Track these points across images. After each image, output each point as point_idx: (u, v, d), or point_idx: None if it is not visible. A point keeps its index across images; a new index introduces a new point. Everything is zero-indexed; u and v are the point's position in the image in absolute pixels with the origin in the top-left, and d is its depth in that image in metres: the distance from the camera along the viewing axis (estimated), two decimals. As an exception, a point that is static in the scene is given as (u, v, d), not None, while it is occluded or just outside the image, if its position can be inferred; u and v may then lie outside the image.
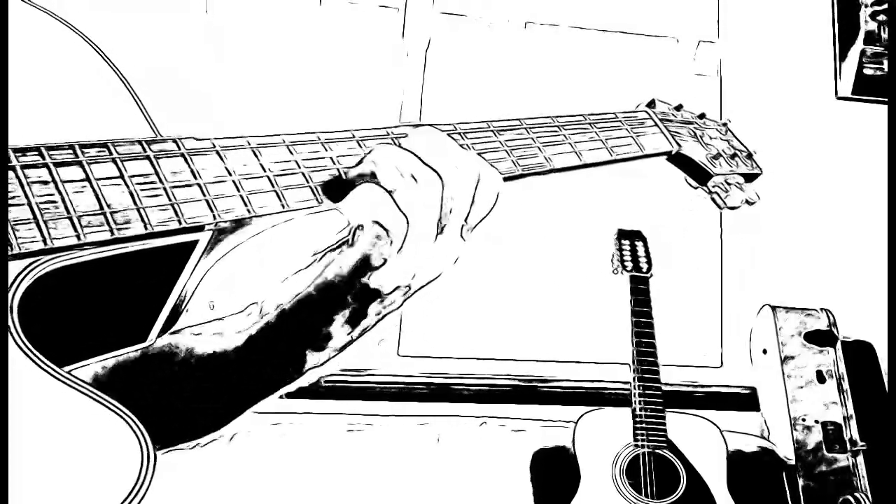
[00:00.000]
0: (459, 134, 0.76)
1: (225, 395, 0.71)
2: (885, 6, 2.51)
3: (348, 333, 0.71)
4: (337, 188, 0.69)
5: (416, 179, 0.68)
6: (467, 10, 2.48)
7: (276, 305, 0.70)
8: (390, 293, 0.69)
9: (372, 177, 0.68)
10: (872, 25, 2.52)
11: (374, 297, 0.69)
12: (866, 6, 2.54)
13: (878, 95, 2.51)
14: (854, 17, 2.55)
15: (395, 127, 0.72)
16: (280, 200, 0.62)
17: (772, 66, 2.54)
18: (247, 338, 0.70)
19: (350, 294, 0.69)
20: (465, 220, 0.71)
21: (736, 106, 2.50)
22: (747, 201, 0.95)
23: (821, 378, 2.19)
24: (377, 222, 0.67)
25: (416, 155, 0.69)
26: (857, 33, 2.53)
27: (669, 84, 2.53)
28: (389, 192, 0.67)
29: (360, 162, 0.70)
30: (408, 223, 0.67)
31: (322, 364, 0.72)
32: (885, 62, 2.49)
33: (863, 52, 2.51)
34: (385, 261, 0.67)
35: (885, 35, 2.50)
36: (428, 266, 0.69)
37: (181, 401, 0.70)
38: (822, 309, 2.27)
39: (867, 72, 2.50)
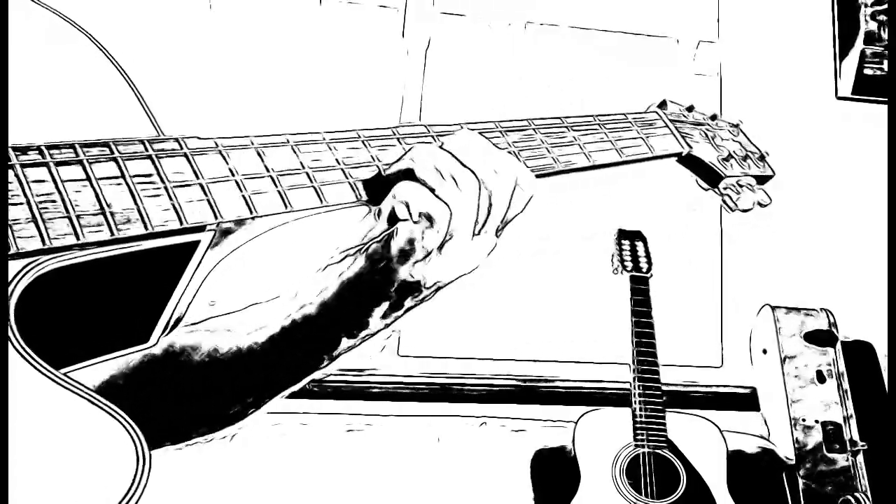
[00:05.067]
0: None
1: (254, 384, 0.74)
2: (885, 6, 2.51)
3: (382, 324, 0.73)
4: (375, 184, 0.71)
5: (455, 179, 0.69)
6: (467, 10, 2.48)
7: (318, 294, 0.72)
8: (429, 287, 0.71)
9: (409, 174, 0.69)
10: (872, 25, 2.52)
11: (412, 291, 0.71)
12: (866, 6, 2.54)
13: (878, 95, 2.51)
14: (854, 17, 2.55)
15: (399, 127, 0.72)
16: (283, 201, 0.62)
17: (772, 66, 2.53)
18: (282, 327, 0.73)
19: (392, 287, 0.71)
20: (501, 220, 0.72)
21: (736, 106, 2.49)
22: (759, 203, 0.94)
23: (821, 378, 2.19)
24: (423, 213, 0.68)
25: (453, 155, 0.70)
26: (857, 33, 2.53)
27: (669, 84, 2.53)
28: (431, 189, 0.69)
29: (398, 160, 0.71)
30: (451, 214, 0.68)
31: (346, 351, 0.75)
32: (885, 62, 2.49)
33: (863, 52, 2.51)
34: (427, 254, 0.69)
35: (885, 35, 2.50)
36: (464, 261, 0.71)
37: (207, 393, 0.72)
38: (822, 309, 2.27)
39: (867, 72, 2.50)
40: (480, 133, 0.77)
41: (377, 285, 0.71)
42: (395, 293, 0.71)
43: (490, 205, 0.71)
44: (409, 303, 0.72)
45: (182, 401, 0.72)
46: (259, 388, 0.74)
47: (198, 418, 0.73)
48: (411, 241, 0.68)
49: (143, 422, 0.64)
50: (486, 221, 0.71)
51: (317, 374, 0.75)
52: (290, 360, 0.73)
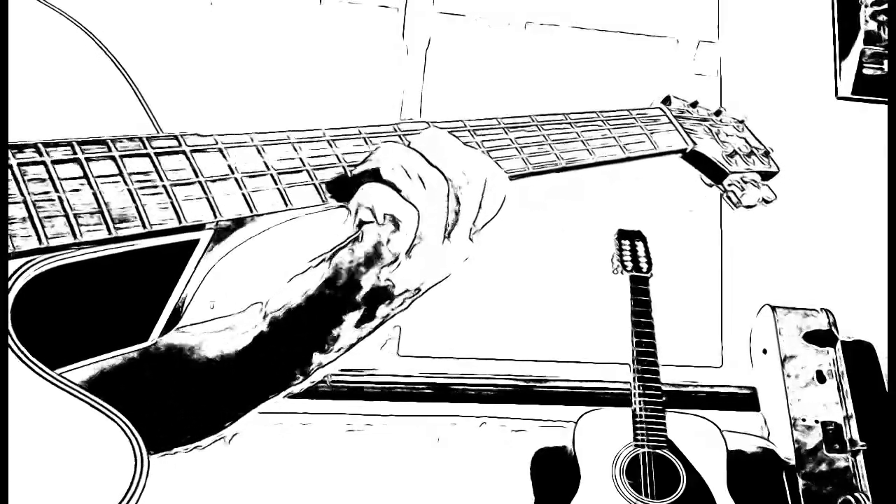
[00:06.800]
0: (469, 131, 0.74)
1: (227, 396, 0.70)
2: (885, 6, 2.51)
3: (355, 335, 0.69)
4: (342, 186, 0.67)
5: (422, 181, 0.65)
6: (467, 10, 2.48)
7: (283, 305, 0.68)
8: (399, 294, 0.67)
9: (376, 175, 0.65)
10: (872, 25, 2.52)
11: (383, 298, 0.67)
12: (866, 6, 2.53)
13: (878, 95, 2.51)
14: (854, 17, 2.55)
15: (401, 123, 0.71)
16: (283, 199, 0.61)
17: (772, 66, 2.53)
18: (252, 338, 0.69)
19: (359, 294, 0.67)
20: (473, 223, 0.68)
21: (736, 106, 2.49)
22: (764, 200, 0.94)
23: (821, 378, 2.18)
24: (388, 215, 0.64)
25: (422, 155, 0.66)
26: (857, 33, 2.53)
27: (669, 84, 2.52)
28: (397, 190, 0.65)
29: (365, 160, 0.67)
30: (418, 216, 0.65)
31: (326, 364, 0.70)
32: (885, 62, 2.48)
33: (863, 52, 2.51)
34: (395, 258, 0.65)
35: (885, 35, 2.50)
36: (436, 267, 0.67)
37: (182, 402, 0.69)
38: (822, 309, 2.27)
39: (867, 72, 2.50)
40: (479, 129, 0.76)
41: (345, 293, 0.67)
42: (363, 301, 0.67)
43: (459, 206, 0.67)
44: (382, 311, 0.68)
45: (158, 407, 0.69)
46: (232, 401, 0.71)
47: (174, 426, 0.70)
48: (377, 246, 0.65)
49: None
50: (455, 224, 0.67)
51: (294, 390, 0.71)
52: (261, 372, 0.70)
